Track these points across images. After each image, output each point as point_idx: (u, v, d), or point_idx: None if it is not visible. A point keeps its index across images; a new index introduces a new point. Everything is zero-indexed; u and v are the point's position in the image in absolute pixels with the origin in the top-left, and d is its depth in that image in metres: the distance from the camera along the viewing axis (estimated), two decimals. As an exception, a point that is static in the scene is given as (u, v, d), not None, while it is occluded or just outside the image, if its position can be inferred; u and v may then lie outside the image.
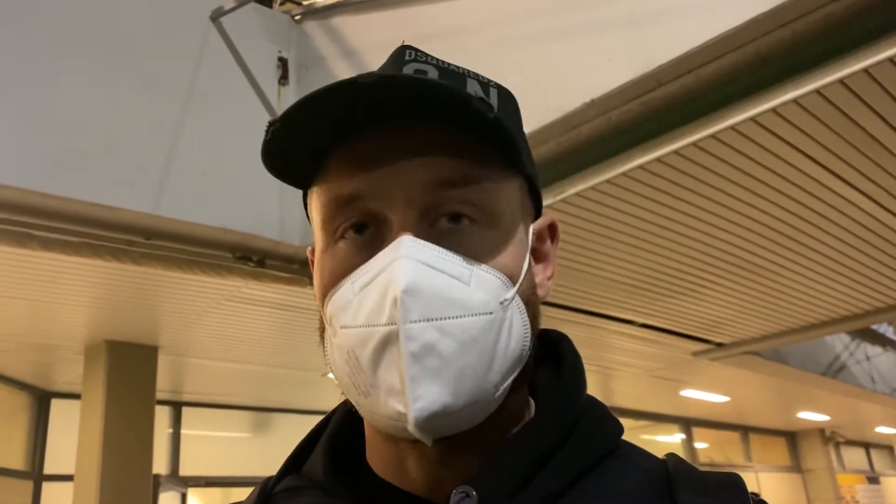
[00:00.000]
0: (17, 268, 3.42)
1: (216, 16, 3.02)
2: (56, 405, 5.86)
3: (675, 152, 2.57)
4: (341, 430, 0.66)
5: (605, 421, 0.63)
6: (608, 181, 2.76)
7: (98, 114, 2.77)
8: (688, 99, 2.30)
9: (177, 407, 6.54)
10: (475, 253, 0.56)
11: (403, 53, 0.62)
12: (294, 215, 3.19)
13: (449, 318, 0.53)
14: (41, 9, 2.72)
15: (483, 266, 0.56)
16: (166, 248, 3.08)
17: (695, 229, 3.54)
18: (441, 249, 0.55)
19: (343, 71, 3.11)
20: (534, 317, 0.59)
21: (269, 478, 0.67)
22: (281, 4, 3.57)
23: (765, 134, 2.71)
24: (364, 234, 0.58)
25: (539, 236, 0.65)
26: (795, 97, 2.22)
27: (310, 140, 0.58)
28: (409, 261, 0.53)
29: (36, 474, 5.62)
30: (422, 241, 0.55)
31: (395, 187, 0.56)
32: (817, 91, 2.25)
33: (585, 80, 2.30)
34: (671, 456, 0.62)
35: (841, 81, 2.22)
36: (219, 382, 6.15)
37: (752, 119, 2.38)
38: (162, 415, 5.97)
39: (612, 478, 0.58)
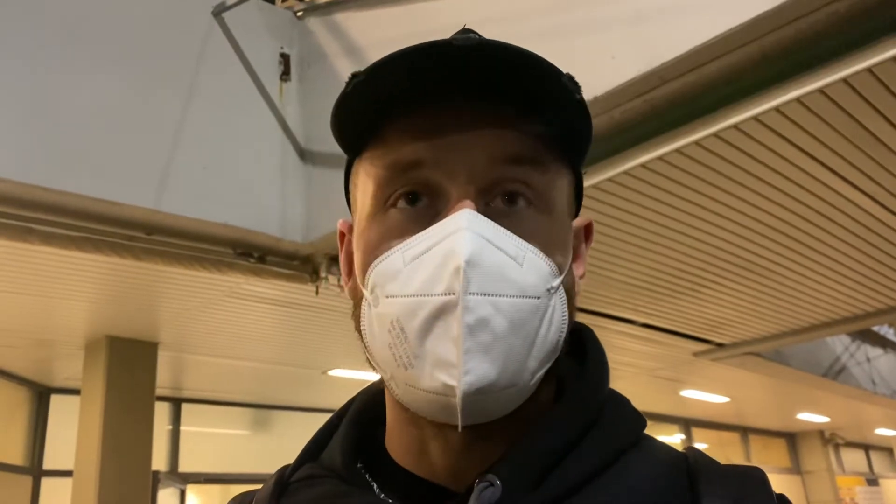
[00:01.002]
0: (17, 262, 3.42)
1: (218, 11, 3.02)
2: (56, 401, 5.86)
3: (678, 151, 2.57)
4: (361, 418, 0.66)
5: (628, 413, 0.63)
6: (610, 179, 2.75)
7: (100, 109, 2.76)
8: (691, 97, 2.29)
9: (176, 403, 6.55)
10: (528, 236, 0.56)
11: (468, 35, 0.60)
12: (295, 211, 3.19)
13: (503, 295, 0.52)
14: (43, 4, 2.72)
15: (535, 250, 0.55)
16: (167, 243, 3.07)
17: (696, 229, 3.53)
18: (499, 227, 0.54)
19: (346, 68, 3.11)
20: (571, 310, 0.59)
21: (286, 466, 0.66)
22: (283, 0, 3.56)
23: (768, 133, 2.70)
24: (416, 205, 0.57)
25: (576, 234, 0.64)
26: (798, 96, 2.21)
27: (378, 103, 0.57)
28: (470, 233, 0.52)
29: (35, 470, 5.62)
30: (481, 216, 0.54)
31: (459, 160, 0.56)
32: (820, 90, 2.24)
33: (588, 77, 2.27)
34: (691, 449, 0.61)
35: (844, 80, 2.21)
36: (219, 379, 6.15)
37: (755, 118, 2.37)
38: (161, 411, 5.97)
39: (634, 469, 0.57)
